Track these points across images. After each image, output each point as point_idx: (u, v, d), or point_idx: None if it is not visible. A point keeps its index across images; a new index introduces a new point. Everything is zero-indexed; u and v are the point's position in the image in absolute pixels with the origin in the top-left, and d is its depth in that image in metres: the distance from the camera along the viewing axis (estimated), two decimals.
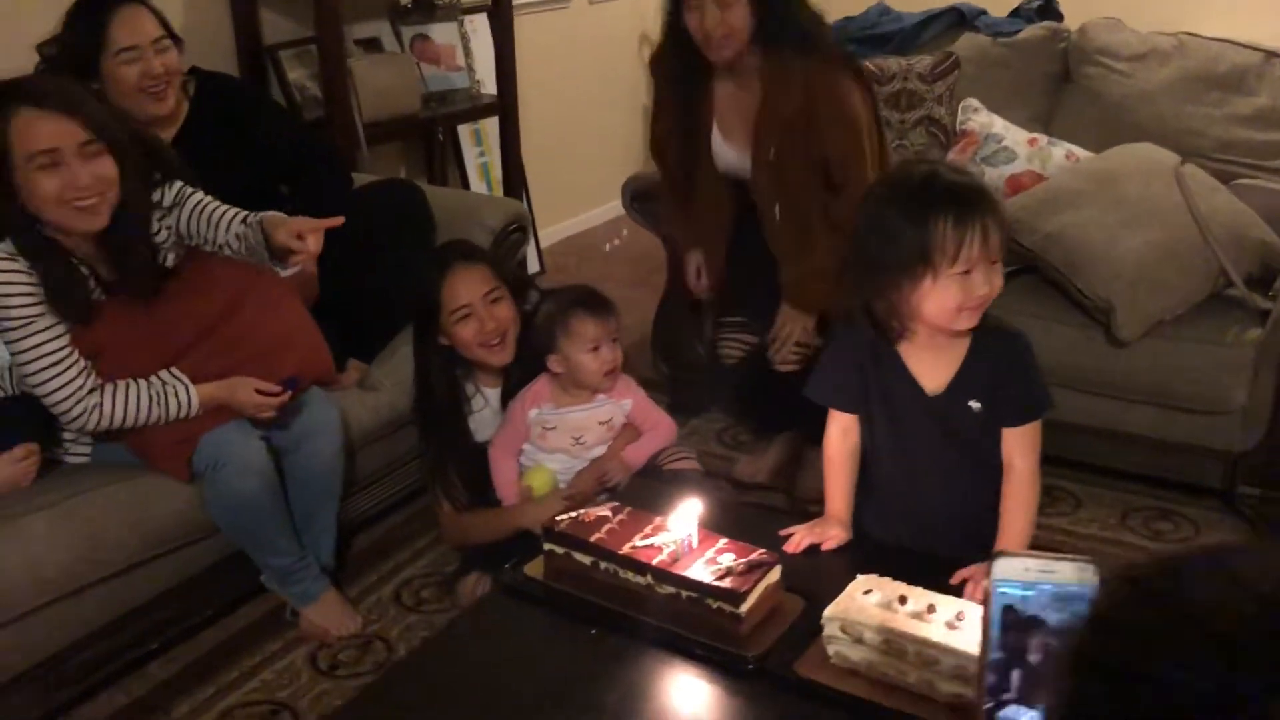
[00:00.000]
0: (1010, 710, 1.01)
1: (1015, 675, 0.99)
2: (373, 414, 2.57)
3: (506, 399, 2.38)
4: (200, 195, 2.21)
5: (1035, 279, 2.73)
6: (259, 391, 2.17)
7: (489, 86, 3.95)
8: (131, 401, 2.10)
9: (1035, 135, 3.10)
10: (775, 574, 1.58)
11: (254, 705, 2.19)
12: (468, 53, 3.94)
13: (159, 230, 2.18)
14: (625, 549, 1.61)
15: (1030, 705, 0.99)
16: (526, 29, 4.10)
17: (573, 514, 1.71)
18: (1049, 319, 2.63)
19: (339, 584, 2.47)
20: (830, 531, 1.78)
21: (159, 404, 2.12)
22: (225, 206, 2.19)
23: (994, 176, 3.04)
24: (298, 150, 2.74)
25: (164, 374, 2.15)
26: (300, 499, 2.33)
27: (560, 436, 2.32)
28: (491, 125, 4.08)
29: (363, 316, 2.72)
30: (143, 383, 2.13)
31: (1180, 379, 2.57)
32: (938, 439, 1.77)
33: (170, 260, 2.21)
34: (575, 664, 1.56)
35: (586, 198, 4.96)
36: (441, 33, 3.88)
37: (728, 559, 1.57)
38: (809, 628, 1.52)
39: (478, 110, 3.94)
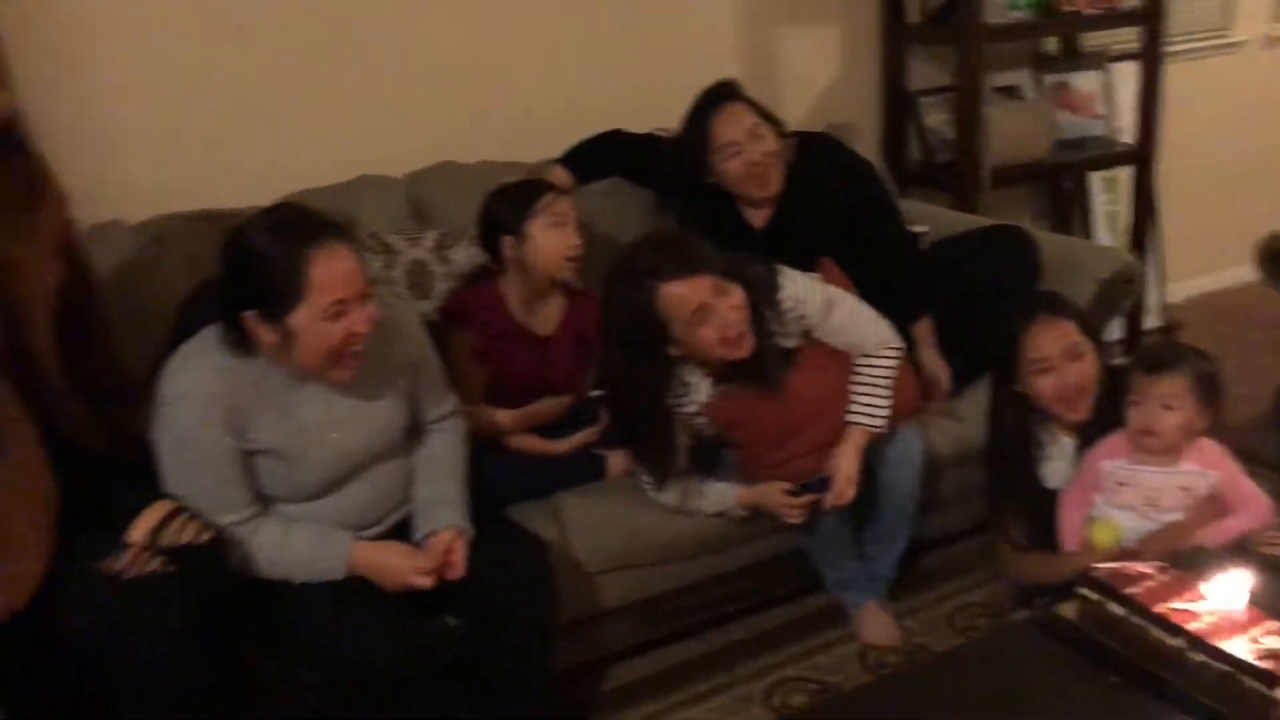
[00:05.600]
0: None
1: None
2: (951, 443, 2.71)
3: (1083, 449, 2.38)
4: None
5: None
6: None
7: (1127, 134, 3.87)
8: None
9: None
10: None
11: (805, 681, 2.46)
12: (1109, 100, 3.90)
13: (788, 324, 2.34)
14: (1161, 608, 1.61)
15: None
16: (1180, 74, 3.95)
17: (1114, 564, 1.73)
18: None
19: (895, 594, 2.66)
20: None
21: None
22: None
23: None
24: (863, 220, 2.83)
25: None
26: (876, 516, 2.57)
27: (1132, 494, 2.27)
28: (1125, 173, 3.99)
29: (960, 350, 2.88)
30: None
31: None
32: None
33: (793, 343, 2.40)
34: (1089, 707, 1.59)
35: (1225, 255, 4.60)
36: (1083, 80, 3.88)
37: (1272, 641, 1.51)
38: None
39: (1111, 158, 3.88)
